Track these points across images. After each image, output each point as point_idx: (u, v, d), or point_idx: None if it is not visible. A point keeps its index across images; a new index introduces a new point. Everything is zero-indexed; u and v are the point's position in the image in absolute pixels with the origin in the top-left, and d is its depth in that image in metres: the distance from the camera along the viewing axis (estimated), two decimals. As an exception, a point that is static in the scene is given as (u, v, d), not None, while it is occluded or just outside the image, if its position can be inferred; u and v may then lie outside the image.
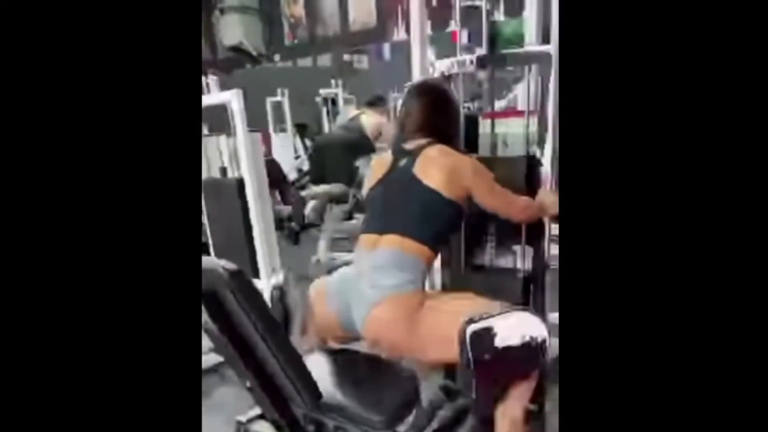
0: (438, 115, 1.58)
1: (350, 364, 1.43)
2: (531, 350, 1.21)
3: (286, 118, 7.42)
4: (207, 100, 2.37)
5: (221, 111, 2.34)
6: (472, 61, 1.81)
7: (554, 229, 1.80)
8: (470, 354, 1.15)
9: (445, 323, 1.26)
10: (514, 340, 1.20)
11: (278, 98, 7.26)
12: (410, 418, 1.26)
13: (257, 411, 1.33)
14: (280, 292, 1.43)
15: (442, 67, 1.88)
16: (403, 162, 1.52)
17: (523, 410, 1.34)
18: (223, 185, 2.49)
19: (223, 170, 2.54)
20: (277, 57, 6.59)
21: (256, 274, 2.49)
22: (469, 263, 1.89)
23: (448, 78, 1.88)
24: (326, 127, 6.52)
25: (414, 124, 1.57)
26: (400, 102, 4.43)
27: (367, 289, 1.37)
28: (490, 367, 1.17)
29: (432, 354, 1.35)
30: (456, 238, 1.86)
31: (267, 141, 7.08)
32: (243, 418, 1.31)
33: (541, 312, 1.74)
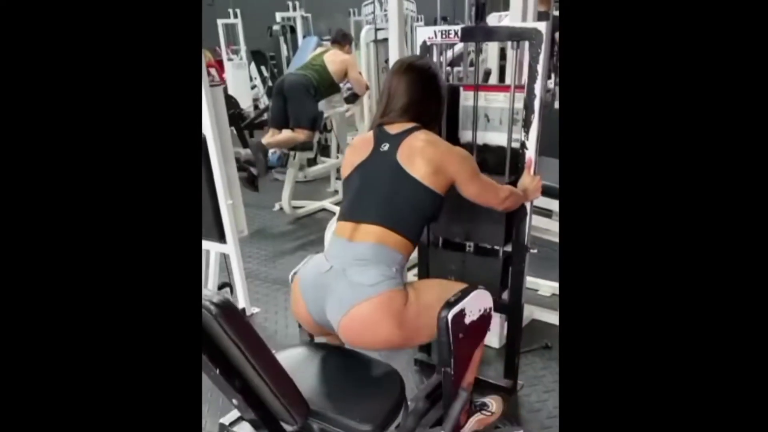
0: (425, 99, 1.49)
1: (331, 363, 1.41)
2: (484, 320, 1.45)
3: (240, 43, 7.02)
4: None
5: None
6: (456, 33, 1.70)
7: (536, 201, 1.77)
8: (450, 336, 1.32)
9: (431, 313, 1.34)
10: (476, 315, 1.40)
11: (231, 20, 6.82)
12: (398, 420, 1.27)
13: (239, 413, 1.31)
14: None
15: (423, 35, 1.76)
16: (385, 147, 1.45)
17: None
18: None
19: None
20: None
21: (222, 237, 2.41)
22: (446, 242, 1.87)
23: (428, 48, 1.77)
24: (284, 53, 6.17)
25: (398, 107, 1.48)
26: (364, 32, 4.18)
27: (344, 287, 1.32)
28: (462, 342, 1.37)
29: (422, 340, 1.46)
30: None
31: (220, 68, 6.71)
32: (226, 421, 1.30)
33: (518, 294, 1.76)
